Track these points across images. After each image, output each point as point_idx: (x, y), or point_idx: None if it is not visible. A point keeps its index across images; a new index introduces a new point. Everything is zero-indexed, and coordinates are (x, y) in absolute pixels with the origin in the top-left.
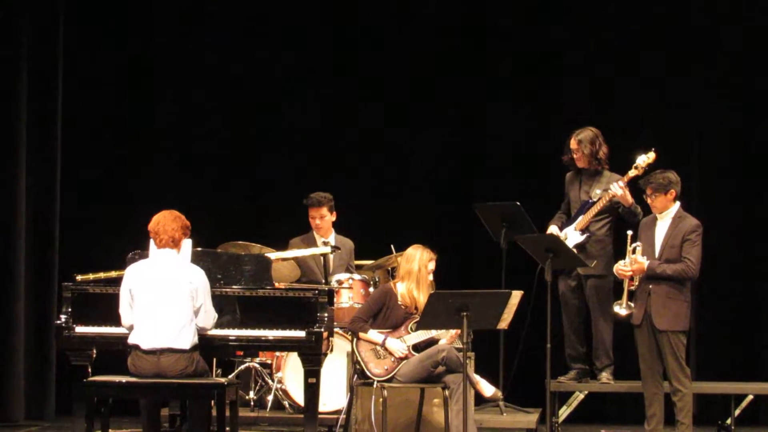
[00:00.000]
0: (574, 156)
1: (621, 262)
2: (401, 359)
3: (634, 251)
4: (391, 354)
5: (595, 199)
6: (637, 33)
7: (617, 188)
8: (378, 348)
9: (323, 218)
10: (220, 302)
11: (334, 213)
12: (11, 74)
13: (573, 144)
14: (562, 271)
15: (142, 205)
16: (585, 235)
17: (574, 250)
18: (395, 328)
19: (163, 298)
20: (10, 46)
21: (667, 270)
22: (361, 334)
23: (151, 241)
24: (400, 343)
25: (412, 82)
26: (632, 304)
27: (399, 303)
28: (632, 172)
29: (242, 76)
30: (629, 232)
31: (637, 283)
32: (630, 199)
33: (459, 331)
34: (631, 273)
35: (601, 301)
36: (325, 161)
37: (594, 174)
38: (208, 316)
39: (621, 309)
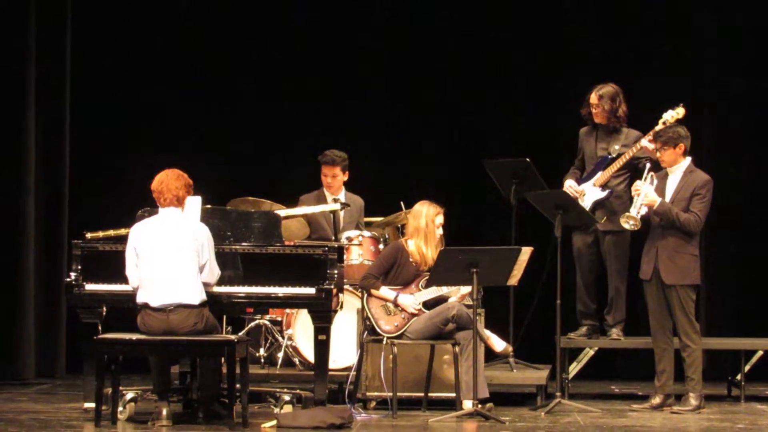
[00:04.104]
0: (593, 110)
1: (638, 182)
2: (412, 315)
3: (648, 173)
4: (403, 310)
5: (614, 155)
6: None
7: (648, 143)
8: (388, 304)
9: (335, 177)
10: (230, 259)
11: (347, 173)
12: (20, 32)
13: (594, 98)
14: (579, 227)
15: (151, 162)
16: (606, 191)
17: (587, 207)
18: (406, 285)
19: (170, 255)
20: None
21: (680, 215)
22: (373, 291)
23: None
24: (412, 299)
25: (416, 44)
26: (638, 216)
27: (410, 260)
28: (659, 127)
29: (248, 33)
30: (648, 165)
31: (642, 213)
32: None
33: (469, 290)
34: (640, 189)
35: (618, 257)
36: (335, 117)
37: (612, 131)
38: (213, 273)
39: (634, 211)
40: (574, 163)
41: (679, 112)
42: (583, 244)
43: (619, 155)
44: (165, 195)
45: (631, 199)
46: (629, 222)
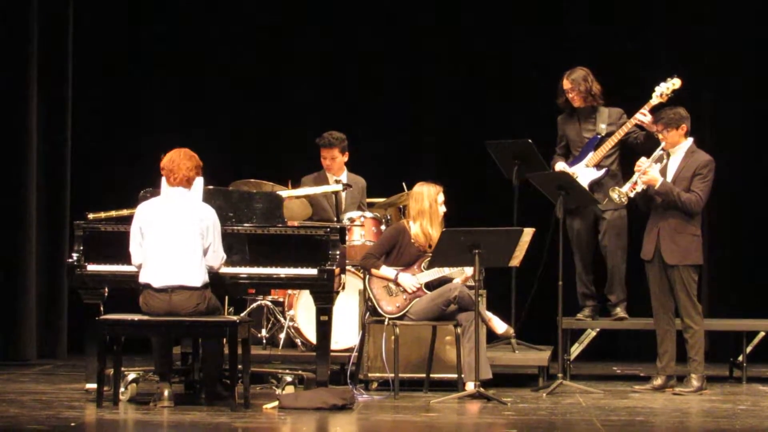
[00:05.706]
0: (569, 96)
1: (643, 158)
2: (413, 296)
3: (659, 151)
4: (403, 290)
5: (602, 134)
6: None
7: (644, 116)
8: (390, 285)
9: (334, 159)
10: (231, 240)
11: (347, 154)
12: (22, 11)
13: (567, 84)
14: (578, 209)
15: (153, 143)
16: (603, 170)
17: (586, 187)
18: (408, 266)
19: (174, 235)
20: None
21: (681, 195)
22: (374, 271)
23: (163, 179)
24: (412, 278)
25: (418, 21)
26: (629, 194)
27: (412, 241)
28: (655, 100)
29: (249, 14)
30: (662, 147)
31: (638, 190)
32: (655, 126)
33: (473, 271)
34: (642, 166)
35: (618, 235)
36: (337, 99)
37: (592, 111)
38: (217, 256)
39: (627, 187)
40: (556, 151)
41: (675, 83)
42: (581, 226)
43: (609, 134)
44: (176, 174)
45: (625, 177)
46: (620, 196)
